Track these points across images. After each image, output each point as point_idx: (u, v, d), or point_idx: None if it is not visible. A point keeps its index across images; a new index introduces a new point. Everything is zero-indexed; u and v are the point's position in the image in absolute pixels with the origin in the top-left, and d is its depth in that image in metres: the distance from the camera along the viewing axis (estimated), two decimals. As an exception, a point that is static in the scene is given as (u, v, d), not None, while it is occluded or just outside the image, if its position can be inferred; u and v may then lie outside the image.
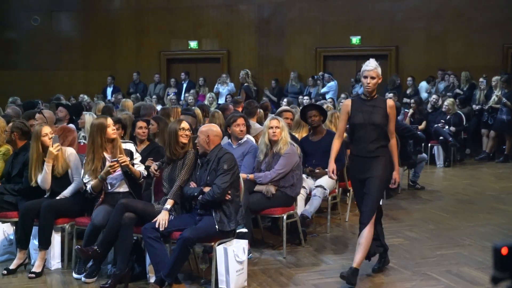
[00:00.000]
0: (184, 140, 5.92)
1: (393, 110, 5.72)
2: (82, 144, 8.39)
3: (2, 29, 19.71)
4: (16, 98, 12.47)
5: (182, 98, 16.70)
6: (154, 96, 15.88)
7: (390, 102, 5.78)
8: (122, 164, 5.89)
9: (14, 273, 6.10)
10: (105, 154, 6.01)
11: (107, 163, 5.89)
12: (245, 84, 15.78)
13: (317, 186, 7.30)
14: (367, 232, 5.62)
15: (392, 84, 15.74)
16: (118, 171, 6.00)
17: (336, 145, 5.88)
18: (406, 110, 13.43)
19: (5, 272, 6.09)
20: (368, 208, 5.65)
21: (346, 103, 5.84)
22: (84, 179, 6.06)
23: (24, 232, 6.16)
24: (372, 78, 5.62)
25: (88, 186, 5.99)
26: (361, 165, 5.72)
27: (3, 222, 6.48)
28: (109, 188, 6.05)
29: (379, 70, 5.68)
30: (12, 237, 6.50)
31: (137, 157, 6.19)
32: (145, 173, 6.11)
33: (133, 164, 6.04)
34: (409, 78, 16.05)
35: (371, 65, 5.63)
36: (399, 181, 6.01)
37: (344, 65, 18.20)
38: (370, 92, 5.65)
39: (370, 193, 5.65)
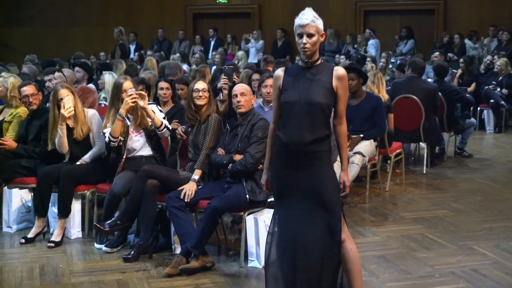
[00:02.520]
0: (198, 101, 5.97)
1: (343, 82, 4.31)
2: (103, 106, 8.48)
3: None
4: (33, 56, 12.60)
5: (209, 56, 16.70)
6: (177, 55, 15.94)
7: (338, 71, 4.32)
8: (139, 99, 5.96)
9: (32, 242, 6.26)
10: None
11: (125, 96, 5.98)
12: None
13: (355, 153, 7.30)
14: (350, 252, 4.44)
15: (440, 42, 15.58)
16: (141, 135, 6.10)
17: (271, 134, 4.49)
18: (454, 70, 13.28)
19: (23, 241, 6.25)
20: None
21: (278, 75, 4.45)
22: (104, 132, 6.16)
23: (42, 199, 6.31)
24: (310, 35, 4.30)
25: (107, 133, 6.07)
26: (291, 160, 4.32)
27: (21, 188, 6.63)
28: (131, 152, 6.17)
29: (319, 23, 4.37)
30: (30, 204, 6.65)
31: (161, 114, 6.24)
32: (170, 126, 6.16)
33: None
34: (456, 36, 15.81)
35: (306, 18, 4.35)
36: (348, 185, 4.47)
37: (387, 21, 18.00)
38: (309, 56, 4.29)
39: (325, 211, 4.30)
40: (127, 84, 6.15)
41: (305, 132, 4.25)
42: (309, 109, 4.26)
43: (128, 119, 6.11)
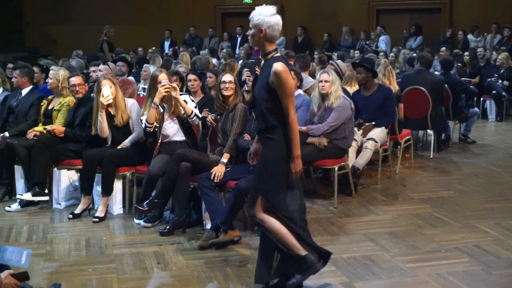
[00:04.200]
0: (225, 92, 6.00)
1: (277, 78, 4.12)
2: (141, 96, 8.52)
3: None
4: (79, 52, 12.68)
5: (236, 52, 16.68)
6: (207, 50, 15.92)
7: (273, 67, 4.13)
8: (172, 90, 5.99)
9: (79, 217, 6.31)
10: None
11: (159, 87, 6.02)
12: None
13: (368, 139, 7.28)
14: (269, 223, 4.36)
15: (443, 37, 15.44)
16: (175, 122, 6.12)
17: None
18: (459, 64, 13.14)
19: (70, 216, 6.31)
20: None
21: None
22: (141, 119, 6.20)
23: (87, 179, 6.36)
24: (249, 29, 4.30)
25: (144, 120, 6.11)
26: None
27: (69, 169, 6.68)
28: (166, 137, 6.20)
29: (256, 19, 4.24)
30: (77, 184, 6.70)
31: (194, 105, 6.25)
32: (199, 114, 6.17)
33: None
34: (460, 32, 15.67)
35: (251, 14, 4.29)
36: (298, 170, 4.32)
37: (397, 19, 17.83)
38: (252, 46, 4.37)
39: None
40: (162, 76, 6.16)
41: (257, 121, 4.43)
42: (256, 102, 4.36)
43: (163, 107, 6.13)
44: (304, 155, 6.30)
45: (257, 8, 4.29)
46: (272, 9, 4.28)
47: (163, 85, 6.00)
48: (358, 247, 5.45)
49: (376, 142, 7.30)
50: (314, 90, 6.84)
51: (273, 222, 4.33)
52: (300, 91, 7.00)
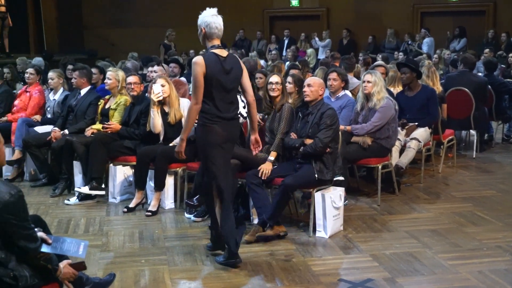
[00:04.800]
0: (272, 93, 6.01)
1: (192, 67, 4.67)
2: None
3: (119, -11, 20.21)
4: (135, 54, 12.81)
5: (283, 54, 16.65)
6: (255, 52, 15.93)
7: (194, 59, 4.74)
8: None
9: (133, 211, 6.39)
10: None
11: None
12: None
13: (411, 139, 7.18)
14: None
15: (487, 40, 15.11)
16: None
17: None
18: (503, 65, 12.82)
19: (125, 210, 6.39)
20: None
21: None
22: None
23: (141, 175, 6.43)
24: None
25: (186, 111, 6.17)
26: None
27: (124, 165, 6.77)
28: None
29: (199, 20, 4.80)
30: (131, 179, 6.79)
31: (243, 105, 6.26)
32: (244, 114, 6.16)
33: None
34: (503, 34, 15.31)
35: None
36: (178, 151, 4.90)
37: (441, 21, 17.54)
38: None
39: None
40: None
41: None
42: None
43: None
44: (348, 154, 6.37)
45: (203, 11, 4.81)
46: (213, 11, 4.80)
47: None
48: (401, 244, 5.37)
49: (419, 141, 7.20)
50: (359, 90, 6.79)
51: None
52: (344, 92, 6.94)
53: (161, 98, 6.40)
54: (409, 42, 16.22)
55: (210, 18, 4.74)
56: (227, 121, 4.76)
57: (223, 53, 4.77)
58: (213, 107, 4.69)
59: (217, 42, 4.77)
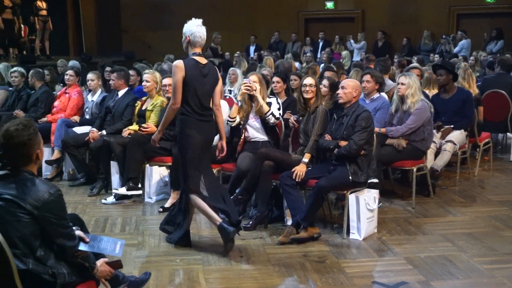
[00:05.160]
0: (306, 95, 5.99)
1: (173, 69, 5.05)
2: (227, 98, 8.60)
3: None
4: (171, 56, 12.90)
5: (318, 56, 16.61)
6: (290, 54, 15.91)
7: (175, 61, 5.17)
8: (252, 88, 6.14)
9: (168, 210, 6.37)
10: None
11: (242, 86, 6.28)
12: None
13: (447, 141, 7.09)
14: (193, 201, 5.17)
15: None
16: (258, 121, 6.15)
17: None
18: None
19: (161, 209, 6.44)
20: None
21: None
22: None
23: (176, 175, 6.43)
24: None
25: (226, 116, 6.28)
26: None
27: (160, 165, 6.83)
28: (250, 136, 6.29)
29: (184, 29, 5.12)
30: (167, 179, 6.83)
31: (277, 107, 6.25)
32: (277, 115, 6.17)
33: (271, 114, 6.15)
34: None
35: None
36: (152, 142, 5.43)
37: (477, 23, 17.29)
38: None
39: None
40: (251, 77, 6.27)
41: None
42: None
43: (250, 106, 6.23)
44: (383, 156, 6.31)
45: (189, 21, 5.11)
46: (198, 21, 5.12)
47: (244, 83, 6.19)
48: (435, 247, 5.30)
49: (455, 144, 7.10)
50: (394, 93, 6.73)
51: (197, 200, 5.10)
52: (379, 94, 6.89)
53: None
54: (443, 37, 16.01)
55: (195, 28, 5.08)
56: (202, 122, 5.09)
57: (203, 60, 5.11)
58: (190, 109, 5.03)
59: (198, 50, 5.11)
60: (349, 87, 5.64)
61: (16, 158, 3.30)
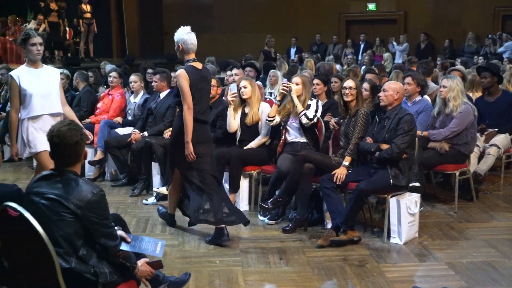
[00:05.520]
0: (345, 98, 5.96)
1: (177, 79, 5.36)
2: (268, 100, 8.59)
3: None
4: (212, 58, 12.97)
5: (359, 58, 16.49)
6: (331, 56, 15.85)
7: (177, 72, 5.50)
8: (289, 89, 6.21)
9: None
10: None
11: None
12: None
13: (491, 145, 6.96)
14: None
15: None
16: (297, 123, 6.14)
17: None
18: None
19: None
20: None
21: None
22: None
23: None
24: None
25: (265, 116, 6.39)
26: None
27: (200, 167, 6.85)
28: (289, 138, 6.29)
29: (175, 37, 5.43)
30: (207, 181, 6.85)
31: (315, 109, 6.21)
32: (310, 116, 6.12)
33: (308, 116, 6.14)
34: None
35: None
36: (188, 154, 5.31)
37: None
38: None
39: None
40: (294, 79, 6.32)
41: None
42: None
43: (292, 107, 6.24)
44: (425, 160, 6.23)
45: (178, 29, 5.41)
46: (187, 29, 5.43)
47: (282, 83, 6.31)
48: (478, 253, 5.21)
49: (499, 148, 6.97)
50: (437, 95, 6.64)
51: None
52: (422, 97, 6.80)
53: (235, 98, 6.50)
54: (489, 36, 15.71)
55: (186, 36, 5.38)
56: (202, 123, 5.41)
57: (199, 65, 5.45)
58: (197, 112, 5.34)
59: (192, 56, 5.44)
60: (390, 89, 5.59)
61: (66, 158, 3.37)
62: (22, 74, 5.30)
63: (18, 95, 5.28)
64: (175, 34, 5.41)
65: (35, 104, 5.30)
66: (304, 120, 6.13)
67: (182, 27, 5.45)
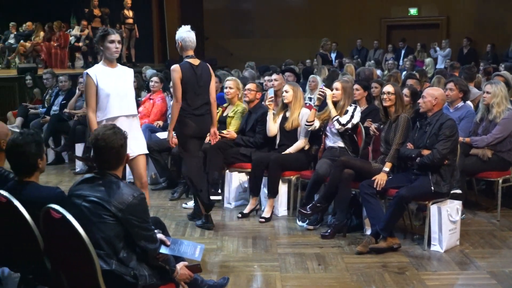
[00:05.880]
0: (384, 103, 5.91)
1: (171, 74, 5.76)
2: (307, 105, 8.56)
3: (239, 0, 20.63)
4: (252, 63, 13.01)
5: (400, 63, 16.33)
6: (372, 61, 15.73)
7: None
8: (324, 93, 6.29)
9: (247, 216, 6.47)
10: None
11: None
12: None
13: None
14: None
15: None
16: (334, 127, 6.11)
17: None
18: None
19: (239, 215, 6.49)
20: None
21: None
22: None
23: (256, 181, 6.50)
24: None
25: (304, 120, 6.43)
26: None
27: (239, 171, 6.87)
28: (328, 143, 6.30)
29: (176, 35, 5.84)
30: (246, 185, 6.88)
31: (352, 115, 6.16)
32: (343, 121, 6.08)
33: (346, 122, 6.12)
34: None
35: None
36: (168, 140, 5.98)
37: None
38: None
39: None
40: (334, 84, 6.32)
41: None
42: None
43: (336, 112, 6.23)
44: (467, 166, 6.13)
45: (180, 28, 5.79)
46: (187, 27, 5.80)
47: (320, 88, 6.36)
48: (522, 262, 5.10)
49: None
50: (480, 101, 6.52)
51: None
52: (464, 103, 6.69)
53: (271, 102, 6.54)
54: None
55: (185, 34, 5.76)
56: (197, 116, 5.75)
57: (196, 61, 5.78)
58: (187, 105, 5.71)
59: (191, 52, 5.80)
60: (428, 95, 5.52)
61: (109, 161, 3.42)
62: (99, 73, 5.03)
63: (95, 94, 5.01)
64: (177, 32, 5.79)
65: (112, 105, 5.03)
66: (337, 125, 6.11)
67: (183, 26, 5.83)
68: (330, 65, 13.62)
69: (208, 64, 6.04)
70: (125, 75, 5.22)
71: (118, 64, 5.24)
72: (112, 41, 5.04)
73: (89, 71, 5.06)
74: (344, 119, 6.10)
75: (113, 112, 5.04)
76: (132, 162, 5.18)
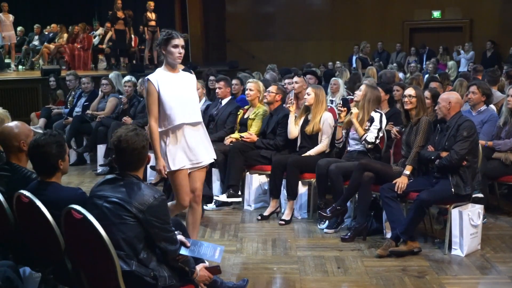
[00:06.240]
0: (405, 106, 5.89)
1: None
2: (329, 107, 8.55)
3: (261, 3, 20.67)
4: (273, 66, 13.01)
5: (423, 66, 16.23)
6: (394, 64, 15.65)
7: None
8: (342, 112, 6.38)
9: (267, 219, 6.47)
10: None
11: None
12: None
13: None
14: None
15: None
16: (353, 132, 6.11)
17: None
18: None
19: (259, 217, 6.49)
20: None
21: None
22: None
23: (275, 184, 6.49)
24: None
25: (327, 125, 6.47)
26: None
27: (260, 174, 6.88)
28: (349, 146, 6.32)
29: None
30: (266, 188, 6.87)
31: (376, 125, 6.14)
32: (371, 139, 6.08)
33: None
34: None
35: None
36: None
37: None
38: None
39: None
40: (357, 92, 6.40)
41: None
42: None
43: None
44: (489, 170, 6.07)
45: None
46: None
47: (339, 107, 6.52)
48: (544, 268, 5.03)
49: None
50: (503, 105, 6.46)
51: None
52: (487, 106, 6.64)
53: (291, 104, 6.58)
54: None
55: None
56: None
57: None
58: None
59: None
60: (442, 101, 5.50)
61: (131, 162, 3.45)
62: (160, 79, 4.67)
63: (157, 102, 4.66)
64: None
65: (176, 113, 4.64)
66: (367, 146, 6.11)
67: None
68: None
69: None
70: (188, 80, 4.83)
71: (180, 70, 4.88)
72: (176, 46, 4.65)
73: (150, 77, 4.71)
74: (371, 137, 6.07)
75: (177, 120, 4.65)
76: (192, 174, 4.83)
